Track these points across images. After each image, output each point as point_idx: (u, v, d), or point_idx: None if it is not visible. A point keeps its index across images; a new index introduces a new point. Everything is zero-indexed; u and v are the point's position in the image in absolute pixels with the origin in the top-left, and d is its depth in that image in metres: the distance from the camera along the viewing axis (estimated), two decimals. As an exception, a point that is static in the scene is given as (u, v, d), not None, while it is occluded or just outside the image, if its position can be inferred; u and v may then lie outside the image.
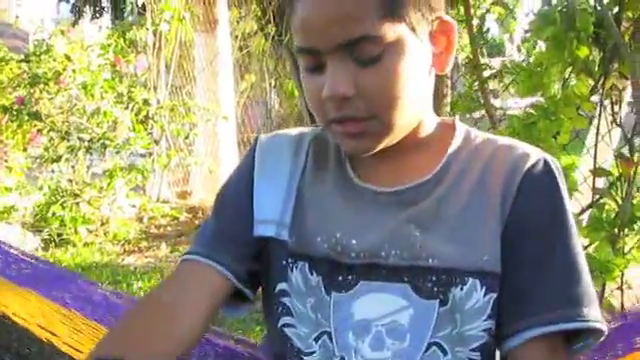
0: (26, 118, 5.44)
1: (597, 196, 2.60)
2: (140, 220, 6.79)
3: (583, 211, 2.70)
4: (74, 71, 5.74)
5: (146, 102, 6.25)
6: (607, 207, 2.57)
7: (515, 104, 4.07)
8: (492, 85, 3.47)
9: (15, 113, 5.46)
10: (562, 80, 2.61)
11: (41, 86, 5.54)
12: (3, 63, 5.49)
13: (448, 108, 3.78)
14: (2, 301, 1.59)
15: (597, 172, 2.66)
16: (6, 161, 5.88)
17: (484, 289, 1.03)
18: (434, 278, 1.03)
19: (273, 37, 7.90)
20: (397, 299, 1.04)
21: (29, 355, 1.56)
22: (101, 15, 17.85)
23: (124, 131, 6.07)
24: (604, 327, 1.04)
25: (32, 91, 5.52)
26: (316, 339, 1.08)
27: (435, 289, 1.03)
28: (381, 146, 1.05)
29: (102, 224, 6.17)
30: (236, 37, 9.31)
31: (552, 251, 1.05)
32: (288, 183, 1.15)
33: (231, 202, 1.19)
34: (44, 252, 5.68)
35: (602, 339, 1.06)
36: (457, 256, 1.04)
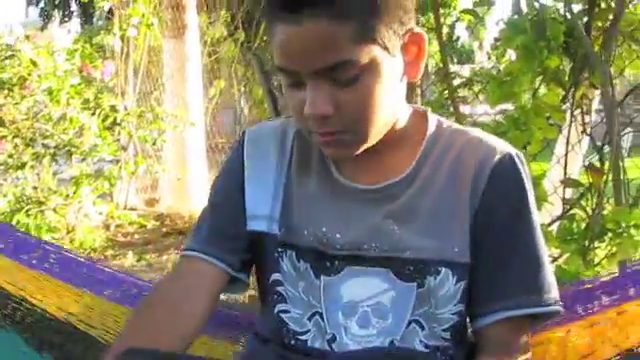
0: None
1: (567, 207, 2.59)
2: (107, 228, 6.72)
3: (553, 222, 2.70)
4: (40, 76, 5.63)
5: (113, 108, 6.16)
6: (577, 218, 2.56)
7: (484, 112, 4.08)
8: (462, 92, 3.48)
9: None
10: (532, 89, 2.60)
11: (5, 92, 5.43)
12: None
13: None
14: (19, 284, 1.65)
15: (567, 182, 2.66)
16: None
17: (455, 278, 1.16)
18: (411, 267, 1.16)
19: (242, 43, 7.86)
20: (380, 283, 1.17)
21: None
22: (70, 19, 17.73)
23: (91, 137, 5.97)
24: (562, 309, 1.20)
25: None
26: (309, 319, 1.20)
27: (413, 275, 1.16)
28: (359, 151, 1.16)
29: (68, 232, 6.08)
30: (205, 43, 9.26)
31: (516, 241, 1.18)
32: (276, 178, 1.26)
33: (224, 198, 1.31)
34: (8, 260, 5.59)
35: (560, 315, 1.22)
36: (430, 249, 1.16)
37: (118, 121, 6.24)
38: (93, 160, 6.04)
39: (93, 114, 5.99)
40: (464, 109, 3.52)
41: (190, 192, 7.39)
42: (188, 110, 7.42)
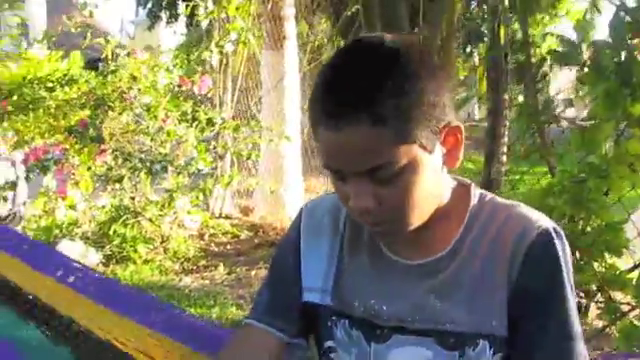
0: (89, 141, 5.56)
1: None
2: (201, 237, 6.86)
3: (635, 267, 2.62)
4: (139, 90, 5.83)
5: (210, 121, 6.29)
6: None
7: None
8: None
9: (79, 135, 5.59)
10: (615, 136, 2.53)
11: (106, 107, 5.64)
12: (72, 83, 5.59)
13: (505, 148, 3.72)
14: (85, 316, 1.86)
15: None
16: (73, 177, 6.00)
17: (492, 350, 1.20)
18: (452, 339, 1.21)
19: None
20: (425, 351, 1.23)
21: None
22: (176, 20, 18.21)
23: (188, 149, 6.14)
24: None
25: (96, 113, 5.63)
26: None
27: (455, 344, 1.21)
28: (403, 235, 1.22)
29: (162, 242, 6.25)
30: (305, 51, 9.37)
31: (549, 319, 1.19)
32: (329, 253, 1.34)
33: (282, 272, 1.39)
34: (105, 267, 5.81)
35: None
36: (470, 322, 1.20)
37: (214, 135, 6.38)
38: (189, 171, 6.18)
39: (190, 126, 6.16)
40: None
41: (284, 203, 7.47)
42: (285, 122, 7.51)
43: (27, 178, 5.87)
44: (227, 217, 7.70)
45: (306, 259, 1.36)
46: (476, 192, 1.28)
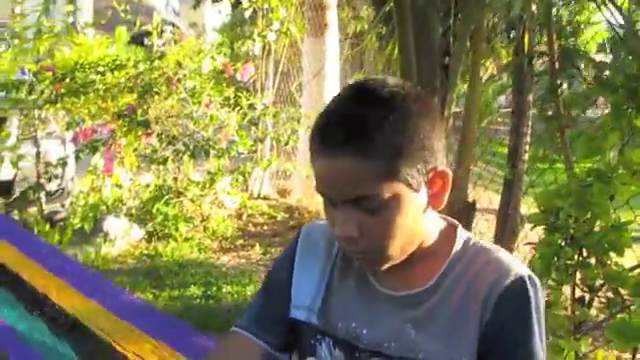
0: (137, 125, 5.84)
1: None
2: (239, 217, 7.13)
3: (635, 267, 2.79)
4: (185, 76, 6.09)
5: (251, 106, 6.53)
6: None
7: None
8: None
9: (127, 120, 5.87)
10: (620, 145, 2.70)
11: (152, 92, 5.90)
12: (121, 68, 5.86)
13: (527, 147, 3.90)
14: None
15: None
16: (119, 156, 6.29)
17: None
18: None
19: (383, 36, 8.08)
20: None
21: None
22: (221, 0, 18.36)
23: (229, 132, 6.39)
24: None
25: (144, 98, 5.89)
26: None
27: None
28: (385, 267, 1.30)
29: (202, 221, 6.54)
30: (347, 35, 9.54)
31: (516, 356, 1.28)
32: (320, 276, 1.42)
33: (274, 286, 1.49)
34: (147, 243, 6.12)
35: None
36: (442, 354, 1.27)
37: (254, 120, 6.61)
38: (230, 154, 6.43)
39: (232, 111, 6.40)
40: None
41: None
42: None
43: (77, 157, 6.15)
44: (265, 198, 7.96)
45: (298, 278, 1.44)
46: (462, 234, 1.36)
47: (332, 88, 8.06)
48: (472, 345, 1.27)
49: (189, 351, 1.91)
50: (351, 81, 8.81)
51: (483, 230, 4.65)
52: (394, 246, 1.26)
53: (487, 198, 5.09)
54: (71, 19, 6.03)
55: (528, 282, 1.27)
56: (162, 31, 6.33)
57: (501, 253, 1.34)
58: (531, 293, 1.27)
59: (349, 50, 9.70)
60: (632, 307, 2.64)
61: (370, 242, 1.25)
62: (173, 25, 7.01)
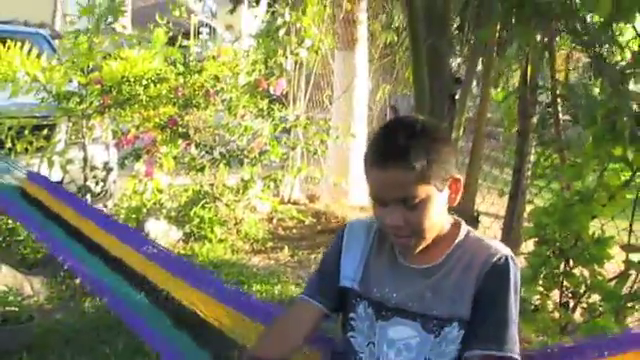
0: (178, 137, 6.31)
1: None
2: (270, 221, 7.55)
3: (614, 278, 3.15)
4: (222, 89, 6.54)
5: (283, 118, 6.95)
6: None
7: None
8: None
9: (168, 132, 6.34)
10: (600, 170, 3.06)
11: (192, 105, 6.35)
12: (163, 81, 6.28)
13: (530, 165, 4.26)
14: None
15: (627, 249, 3.12)
16: (159, 161, 6.71)
17: (459, 328, 1.79)
18: (435, 321, 1.81)
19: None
20: (411, 331, 1.83)
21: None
22: (258, 4, 18.69)
23: (262, 142, 6.83)
24: (519, 358, 1.77)
25: (185, 112, 6.36)
26: (367, 345, 1.89)
27: (434, 328, 1.81)
28: (418, 248, 1.84)
29: (236, 223, 6.99)
30: (377, 46, 9.91)
31: (494, 313, 1.78)
32: (360, 256, 1.96)
33: (328, 264, 2.03)
34: (184, 244, 6.55)
35: None
36: (450, 310, 1.81)
37: (287, 129, 7.03)
38: (262, 162, 6.87)
39: (265, 121, 6.84)
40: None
41: (347, 194, 8.17)
42: (353, 119, 8.15)
43: (122, 165, 6.58)
44: (294, 203, 8.37)
45: (345, 257, 1.98)
46: (465, 228, 1.90)
47: (361, 100, 8.45)
48: (468, 305, 1.78)
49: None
50: (381, 92, 9.19)
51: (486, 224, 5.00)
52: (426, 231, 1.79)
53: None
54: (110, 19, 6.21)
55: (510, 261, 1.79)
56: (199, 32, 6.71)
57: (492, 241, 1.87)
58: (511, 269, 1.79)
59: (379, 61, 10.10)
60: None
61: (411, 228, 1.78)
62: (209, 27, 7.35)
